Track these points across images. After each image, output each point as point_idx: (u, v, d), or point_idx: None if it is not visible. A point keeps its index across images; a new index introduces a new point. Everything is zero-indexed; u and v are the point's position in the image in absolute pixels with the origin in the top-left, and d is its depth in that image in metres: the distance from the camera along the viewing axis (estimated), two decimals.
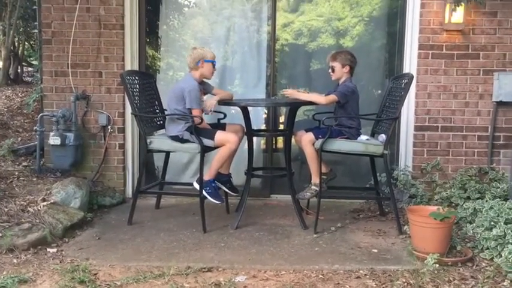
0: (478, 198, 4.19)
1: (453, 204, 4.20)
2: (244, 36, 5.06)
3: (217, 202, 3.94)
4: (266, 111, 5.06)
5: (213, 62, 4.03)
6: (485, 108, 4.63)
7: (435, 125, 4.67)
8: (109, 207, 4.54)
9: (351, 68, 4.05)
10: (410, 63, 4.71)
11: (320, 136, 3.93)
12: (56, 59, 4.77)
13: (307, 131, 4.08)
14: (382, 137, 3.96)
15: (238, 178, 4.49)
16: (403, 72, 4.75)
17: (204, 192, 3.91)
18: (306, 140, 3.97)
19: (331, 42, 5.06)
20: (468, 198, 4.22)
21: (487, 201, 3.89)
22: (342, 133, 3.98)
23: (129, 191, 4.89)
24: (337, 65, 4.04)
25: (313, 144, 3.95)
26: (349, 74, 4.07)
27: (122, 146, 4.85)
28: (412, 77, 3.86)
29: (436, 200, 4.29)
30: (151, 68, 5.11)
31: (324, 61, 4.63)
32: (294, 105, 4.11)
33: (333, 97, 3.96)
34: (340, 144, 3.90)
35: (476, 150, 4.66)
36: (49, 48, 4.77)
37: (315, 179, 3.96)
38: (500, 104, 4.57)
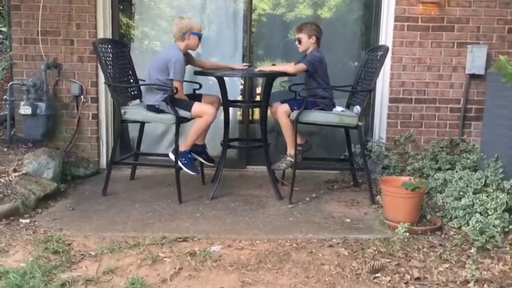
0: (448, 169, 4.28)
1: (425, 175, 4.29)
2: (220, 5, 4.97)
3: (192, 173, 3.94)
4: (242, 82, 5.03)
5: (199, 35, 3.97)
6: (458, 80, 4.69)
7: (409, 97, 4.71)
8: (83, 178, 4.50)
9: (318, 38, 4.05)
10: (386, 35, 4.71)
11: (295, 107, 3.94)
12: (25, 26, 4.63)
13: (282, 102, 4.08)
14: (357, 108, 4.00)
15: (214, 149, 4.50)
16: (379, 44, 4.78)
17: (179, 163, 3.89)
18: (281, 112, 3.97)
19: (308, 13, 5.03)
20: (439, 169, 4.32)
21: (457, 171, 3.98)
22: (317, 104, 4.00)
23: (104, 162, 4.84)
24: (303, 36, 4.04)
25: (289, 115, 3.96)
26: (316, 45, 4.07)
27: (96, 116, 4.77)
28: (388, 49, 3.88)
29: (408, 171, 4.37)
30: (126, 37, 5.00)
31: None
32: (270, 76, 4.09)
33: (301, 66, 3.97)
34: (315, 116, 3.92)
35: (448, 122, 4.74)
36: (18, 15, 4.62)
37: (290, 150, 3.99)
38: (472, 76, 4.63)
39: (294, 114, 3.88)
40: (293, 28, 4.98)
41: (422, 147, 4.72)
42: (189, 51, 4.10)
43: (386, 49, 3.86)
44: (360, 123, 3.91)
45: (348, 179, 4.59)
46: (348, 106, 4.30)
